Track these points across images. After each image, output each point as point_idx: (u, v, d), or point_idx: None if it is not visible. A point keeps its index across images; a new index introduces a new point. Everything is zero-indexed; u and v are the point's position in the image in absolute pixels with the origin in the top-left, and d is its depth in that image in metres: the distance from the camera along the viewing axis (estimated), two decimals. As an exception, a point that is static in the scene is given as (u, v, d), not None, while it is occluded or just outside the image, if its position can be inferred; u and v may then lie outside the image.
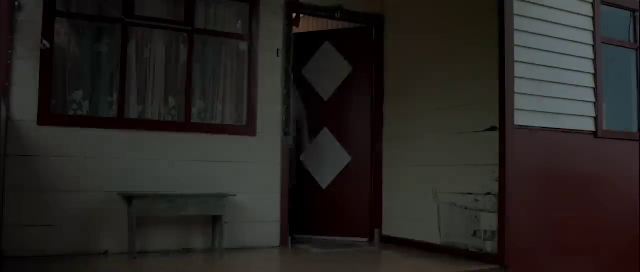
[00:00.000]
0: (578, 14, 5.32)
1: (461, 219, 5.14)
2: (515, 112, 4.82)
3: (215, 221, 5.20)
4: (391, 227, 6.10)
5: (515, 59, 4.86)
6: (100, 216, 4.93)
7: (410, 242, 5.70)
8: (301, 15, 5.93)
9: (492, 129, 4.88)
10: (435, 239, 5.39)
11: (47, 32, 4.80)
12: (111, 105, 5.17)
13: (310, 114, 6.45)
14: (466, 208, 5.10)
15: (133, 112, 5.22)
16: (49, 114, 4.81)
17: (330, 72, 6.45)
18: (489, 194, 4.87)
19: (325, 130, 6.42)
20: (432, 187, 5.50)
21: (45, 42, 4.76)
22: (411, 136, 5.88)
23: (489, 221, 4.85)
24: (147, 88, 5.31)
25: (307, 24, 6.86)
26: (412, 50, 5.96)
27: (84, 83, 5.09)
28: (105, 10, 5.14)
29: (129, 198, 4.80)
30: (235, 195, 5.23)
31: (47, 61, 4.81)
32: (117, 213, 4.95)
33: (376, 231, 6.18)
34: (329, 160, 6.39)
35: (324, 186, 6.40)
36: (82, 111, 5.05)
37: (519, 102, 4.87)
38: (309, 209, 6.33)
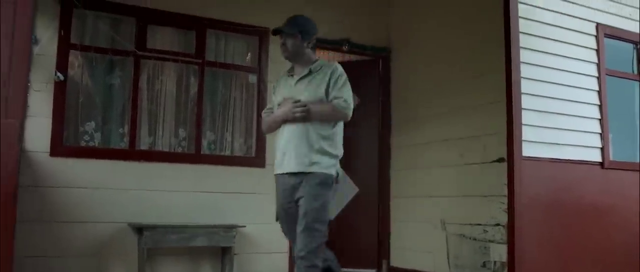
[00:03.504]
0: (583, 46, 5.39)
1: (470, 250, 5.15)
2: (523, 144, 4.86)
3: (224, 252, 5.22)
4: (399, 258, 6.10)
5: (522, 91, 4.92)
6: (111, 247, 4.95)
7: (419, 273, 5.71)
8: (309, 48, 5.99)
9: (500, 160, 4.92)
10: (444, 270, 5.39)
11: (62, 64, 4.88)
12: (122, 137, 5.23)
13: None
14: (475, 239, 5.12)
15: (144, 143, 5.28)
16: (61, 146, 4.86)
17: (337, 103, 6.50)
18: (497, 224, 4.90)
19: (333, 161, 6.45)
20: (440, 218, 5.52)
21: (59, 74, 4.83)
22: (419, 166, 5.92)
23: (499, 252, 4.86)
24: (157, 120, 5.37)
25: (314, 57, 6.93)
26: (419, 82, 6.04)
27: (96, 114, 5.16)
28: (118, 43, 5.23)
29: (139, 229, 4.82)
30: (244, 226, 5.26)
31: (61, 93, 4.88)
32: (127, 244, 4.97)
33: (384, 262, 6.18)
34: (337, 191, 6.39)
35: (331, 216, 6.38)
36: (94, 142, 5.11)
37: (527, 133, 4.90)
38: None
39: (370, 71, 6.50)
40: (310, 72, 3.74)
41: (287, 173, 3.72)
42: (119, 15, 5.24)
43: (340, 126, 3.78)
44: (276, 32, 3.85)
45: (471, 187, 5.25)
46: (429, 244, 5.66)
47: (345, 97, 3.72)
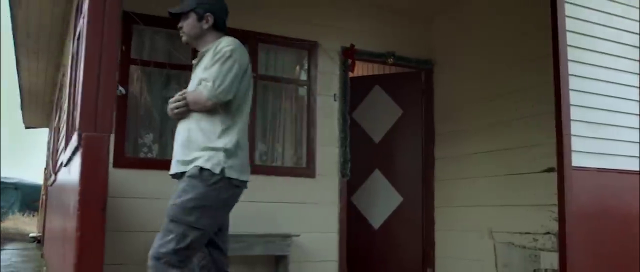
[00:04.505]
0: (629, 58, 5.48)
1: (520, 258, 5.25)
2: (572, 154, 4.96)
3: (278, 260, 5.35)
4: (444, 267, 6.20)
5: (571, 102, 5.02)
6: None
7: (466, 281, 5.80)
8: (356, 61, 6.14)
9: (550, 170, 5.02)
10: (493, 279, 5.49)
11: (123, 79, 5.05)
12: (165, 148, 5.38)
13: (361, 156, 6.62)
14: (525, 247, 5.22)
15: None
16: (123, 157, 5.03)
17: (380, 115, 6.65)
18: (548, 233, 5.00)
19: (377, 171, 6.59)
20: (487, 226, 5.62)
21: (121, 88, 5.00)
22: (464, 176, 6.03)
23: (550, 260, 4.95)
24: (212, 132, 5.51)
25: (356, 69, 7.07)
26: (462, 93, 6.16)
27: (154, 127, 5.32)
28: (175, 57, 5.40)
29: (199, 238, 4.95)
30: (299, 235, 5.39)
31: (123, 106, 5.06)
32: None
33: (429, 270, 6.28)
34: (381, 201, 6.54)
35: (376, 226, 6.54)
36: (152, 154, 5.27)
37: (575, 144, 5.01)
38: (361, 249, 6.44)
39: (413, 83, 6.63)
40: (203, 56, 3.28)
41: (171, 176, 3.30)
42: (175, 30, 5.38)
43: (236, 115, 3.16)
44: (172, 15, 3.44)
45: (519, 197, 5.35)
46: (475, 253, 5.76)
47: (213, 77, 3.07)
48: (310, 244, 5.61)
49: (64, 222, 4.80)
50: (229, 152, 3.05)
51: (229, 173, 3.04)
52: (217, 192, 3.03)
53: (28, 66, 9.41)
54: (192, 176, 3.04)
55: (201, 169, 3.02)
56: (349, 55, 6.06)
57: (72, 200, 3.65)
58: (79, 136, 3.34)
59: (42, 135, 21.30)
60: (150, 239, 4.95)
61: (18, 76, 10.41)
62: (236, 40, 3.21)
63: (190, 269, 3.05)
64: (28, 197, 24.80)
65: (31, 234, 13.81)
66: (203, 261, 3.27)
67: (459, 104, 6.20)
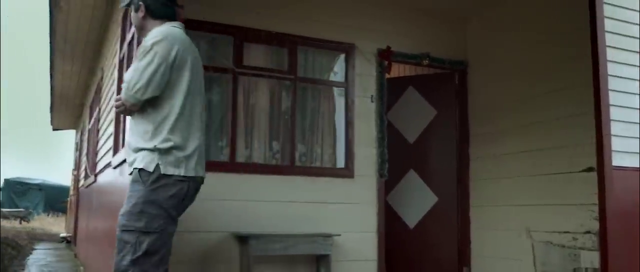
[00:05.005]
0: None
1: (559, 257, 5.30)
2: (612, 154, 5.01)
3: (319, 259, 5.45)
4: (481, 266, 6.26)
5: (610, 102, 5.07)
6: (215, 255, 5.20)
7: (504, 280, 5.86)
8: (391, 62, 6.22)
9: (589, 169, 5.07)
10: (532, 277, 5.55)
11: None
12: (221, 150, 5.50)
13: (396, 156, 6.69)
14: (564, 246, 5.27)
15: (241, 156, 5.54)
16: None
17: (415, 115, 6.72)
18: (588, 232, 5.05)
19: (412, 171, 6.67)
20: (525, 226, 5.67)
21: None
22: (500, 176, 6.08)
23: (590, 259, 5.00)
24: (253, 133, 5.63)
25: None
26: (498, 93, 6.21)
27: (197, 129, 5.43)
28: (217, 61, 5.51)
29: (244, 238, 5.07)
30: (340, 235, 5.48)
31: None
32: (229, 252, 5.22)
33: (465, 269, 6.34)
34: (416, 200, 6.61)
35: (411, 225, 6.62)
36: (195, 156, 5.37)
37: (615, 143, 5.06)
38: (397, 249, 6.52)
39: (447, 84, 6.69)
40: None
41: None
42: (218, 34, 5.53)
43: (168, 110, 3.00)
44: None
45: (557, 196, 5.40)
46: (512, 252, 5.81)
47: (128, 77, 2.98)
48: (350, 243, 5.69)
49: (112, 223, 4.93)
50: (161, 150, 2.96)
51: (165, 170, 2.95)
52: (159, 191, 2.94)
53: (62, 69, 9.59)
54: (133, 181, 2.99)
55: (139, 171, 2.96)
56: (385, 56, 6.13)
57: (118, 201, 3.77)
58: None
59: (67, 136, 21.60)
60: (199, 238, 5.14)
61: (51, 79, 10.61)
62: (165, 30, 3.05)
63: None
64: (52, 198, 25.15)
65: (61, 235, 14.01)
66: None
67: (494, 105, 6.25)
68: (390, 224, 6.41)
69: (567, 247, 5.23)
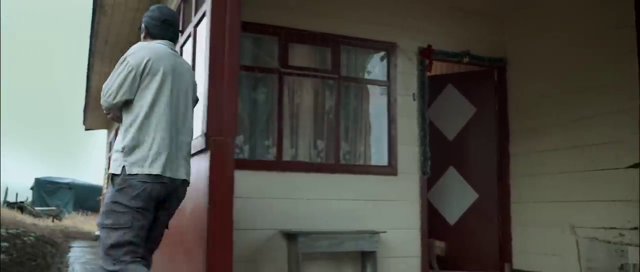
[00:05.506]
0: None
1: (605, 253, 5.32)
2: (658, 149, 5.02)
3: (365, 256, 5.52)
4: (522, 261, 6.29)
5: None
6: (263, 252, 5.29)
7: (547, 276, 5.89)
8: (432, 61, 6.28)
9: (635, 166, 5.09)
10: (576, 273, 5.58)
11: (217, 83, 5.27)
12: (268, 149, 5.59)
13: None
14: (610, 242, 5.29)
15: (286, 155, 5.63)
16: (219, 158, 5.24)
17: (454, 113, 6.77)
18: (635, 228, 5.06)
19: (452, 168, 6.72)
20: (568, 222, 5.70)
21: None
22: (541, 173, 6.11)
23: (638, 255, 5.02)
24: (298, 132, 5.72)
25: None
26: (538, 90, 6.23)
27: (244, 129, 5.54)
28: (262, 61, 5.61)
29: (293, 236, 5.17)
30: (386, 231, 5.55)
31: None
32: (277, 250, 5.31)
33: (506, 265, 6.38)
34: (456, 197, 6.66)
35: (451, 222, 6.67)
36: (244, 155, 5.49)
37: (660, 139, 5.07)
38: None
39: (486, 81, 6.73)
40: None
41: None
42: (263, 35, 5.62)
43: (138, 112, 3.18)
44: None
45: (602, 193, 5.42)
46: (555, 248, 5.85)
47: (104, 85, 3.28)
48: (394, 240, 5.76)
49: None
50: (126, 150, 3.12)
51: (130, 169, 3.10)
52: (124, 192, 3.09)
53: (100, 70, 9.75)
54: (111, 185, 3.21)
55: (112, 176, 3.17)
56: (426, 55, 6.19)
57: (193, 198, 3.88)
58: (207, 139, 3.56)
59: (96, 137, 21.89)
60: (247, 236, 5.24)
61: (87, 80, 10.79)
62: (143, 44, 3.38)
63: (129, 267, 3.06)
64: (81, 197, 25.52)
65: (96, 233, 14.23)
66: None
67: (535, 101, 6.28)
68: (430, 220, 6.44)
69: (613, 244, 5.25)
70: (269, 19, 5.57)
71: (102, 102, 3.25)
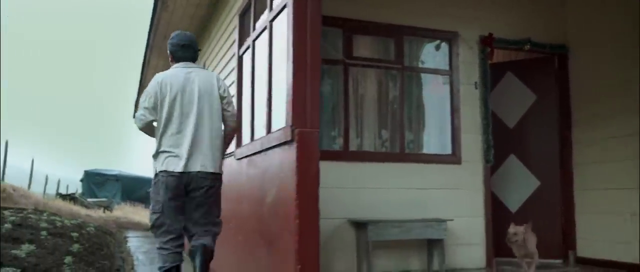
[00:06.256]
0: None
1: (676, 239, 5.29)
2: None
3: (431, 244, 5.59)
4: (587, 249, 6.27)
5: None
6: (333, 240, 5.40)
7: (614, 263, 5.86)
8: (494, 49, 6.28)
9: None
10: (644, 260, 5.55)
11: (285, 76, 5.38)
12: (334, 139, 5.69)
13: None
14: (679, 229, 5.25)
15: (353, 145, 5.72)
16: (288, 149, 5.35)
17: (514, 101, 6.76)
18: None
19: (512, 156, 6.72)
20: (633, 209, 5.66)
21: None
22: (605, 160, 6.07)
23: None
24: (363, 123, 5.80)
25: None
26: (601, 76, 6.18)
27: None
28: (328, 53, 5.69)
29: (363, 224, 5.26)
30: (452, 219, 5.61)
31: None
32: (346, 238, 5.42)
33: (570, 252, 6.37)
34: (517, 185, 6.67)
35: (513, 209, 6.68)
36: (313, 146, 5.58)
37: None
38: (500, 233, 6.57)
39: (546, 68, 6.70)
40: None
41: None
42: (328, 27, 5.68)
43: (158, 125, 4.09)
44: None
45: (671, 179, 5.38)
46: (620, 235, 5.81)
47: (137, 112, 4.27)
48: (459, 228, 5.81)
49: (239, 210, 5.19)
50: (153, 156, 4.12)
51: (156, 169, 4.07)
52: (156, 185, 4.08)
53: (156, 65, 9.97)
54: None
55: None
56: (487, 43, 6.20)
57: (274, 189, 4.00)
58: (292, 131, 3.66)
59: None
60: (333, 226, 5.34)
61: (141, 74, 11.05)
62: (159, 73, 4.23)
63: (164, 240, 3.99)
64: (128, 188, 26.09)
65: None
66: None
67: (597, 88, 6.23)
68: (492, 208, 6.48)
69: (684, 230, 5.21)
70: (333, 10, 5.63)
71: (136, 125, 4.18)
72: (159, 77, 4.13)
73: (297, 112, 3.69)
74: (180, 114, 4.01)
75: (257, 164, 4.62)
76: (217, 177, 4.17)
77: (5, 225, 6.62)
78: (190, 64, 4.22)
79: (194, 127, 4.03)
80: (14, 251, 4.95)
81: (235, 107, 4.48)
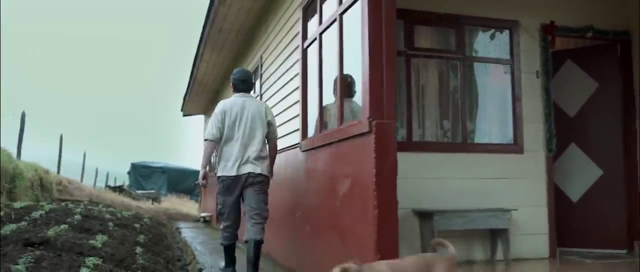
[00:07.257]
0: None
1: None
2: None
3: (495, 233, 5.59)
4: (653, 239, 6.19)
5: None
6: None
7: (682, 253, 5.78)
8: (555, 37, 6.21)
9: None
10: None
11: (349, 67, 5.43)
12: (397, 130, 5.70)
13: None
14: None
15: (415, 135, 5.75)
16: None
17: (574, 89, 6.68)
18: None
19: (573, 145, 6.65)
20: None
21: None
22: (672, 148, 5.97)
23: None
24: (425, 113, 5.82)
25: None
26: (667, 64, 6.08)
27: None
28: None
29: (428, 214, 5.29)
30: (516, 209, 5.60)
31: (349, 93, 5.44)
32: (410, 229, 5.45)
33: (636, 243, 6.28)
34: (579, 174, 6.60)
35: (574, 199, 6.61)
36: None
37: None
38: (562, 223, 6.53)
39: (608, 56, 6.59)
40: None
41: None
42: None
43: (222, 140, 5.28)
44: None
45: None
46: (689, 224, 5.73)
47: (206, 130, 5.48)
48: (522, 217, 5.79)
49: (305, 201, 5.27)
50: (217, 162, 5.41)
51: (219, 173, 5.30)
52: (219, 185, 5.31)
53: (209, 58, 10.13)
54: None
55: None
56: (549, 31, 6.14)
57: (349, 180, 4.06)
58: (370, 123, 3.71)
59: (190, 123, 22.56)
60: (398, 216, 5.35)
61: (193, 67, 11.22)
62: (223, 100, 5.47)
63: (224, 225, 5.36)
64: (174, 181, 26.53)
65: (202, 215, 14.82)
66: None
67: (663, 75, 6.12)
68: (552, 198, 6.43)
69: None
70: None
71: (205, 137, 5.32)
72: (222, 104, 5.34)
73: (374, 104, 3.73)
74: (236, 133, 5.22)
75: (327, 156, 4.68)
76: (263, 177, 5.25)
77: (76, 216, 6.85)
78: (246, 94, 5.45)
79: (247, 143, 5.21)
80: (91, 242, 5.13)
81: (277, 129, 5.61)
